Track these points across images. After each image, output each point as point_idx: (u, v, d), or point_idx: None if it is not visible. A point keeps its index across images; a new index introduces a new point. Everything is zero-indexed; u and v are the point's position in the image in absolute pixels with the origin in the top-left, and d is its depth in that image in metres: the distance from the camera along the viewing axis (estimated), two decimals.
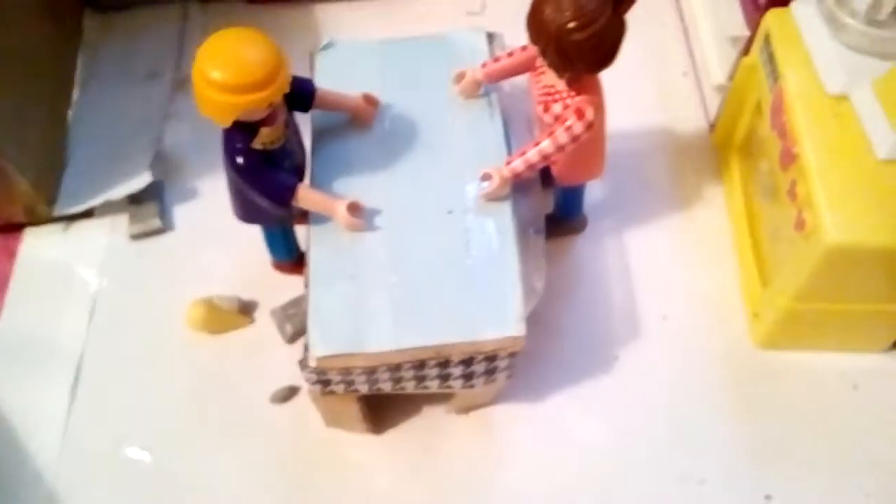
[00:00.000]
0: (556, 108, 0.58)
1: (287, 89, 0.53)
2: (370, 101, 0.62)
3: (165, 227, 0.75)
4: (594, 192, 0.74)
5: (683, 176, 0.77)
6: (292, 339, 0.67)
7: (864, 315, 0.60)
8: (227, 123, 0.53)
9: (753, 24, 0.66)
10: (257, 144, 0.55)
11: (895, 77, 0.54)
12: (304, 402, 0.63)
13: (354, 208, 0.56)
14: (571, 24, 0.51)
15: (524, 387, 0.64)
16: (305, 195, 0.56)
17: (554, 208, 0.71)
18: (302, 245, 0.69)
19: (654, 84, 0.83)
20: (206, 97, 0.52)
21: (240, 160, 0.55)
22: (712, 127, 0.78)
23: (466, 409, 0.64)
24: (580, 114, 0.56)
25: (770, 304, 0.62)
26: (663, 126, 0.80)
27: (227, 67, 0.51)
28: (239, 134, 0.55)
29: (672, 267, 0.71)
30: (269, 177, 0.56)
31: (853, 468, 0.61)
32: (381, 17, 0.91)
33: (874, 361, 0.65)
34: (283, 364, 0.65)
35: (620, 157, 0.76)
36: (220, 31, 0.53)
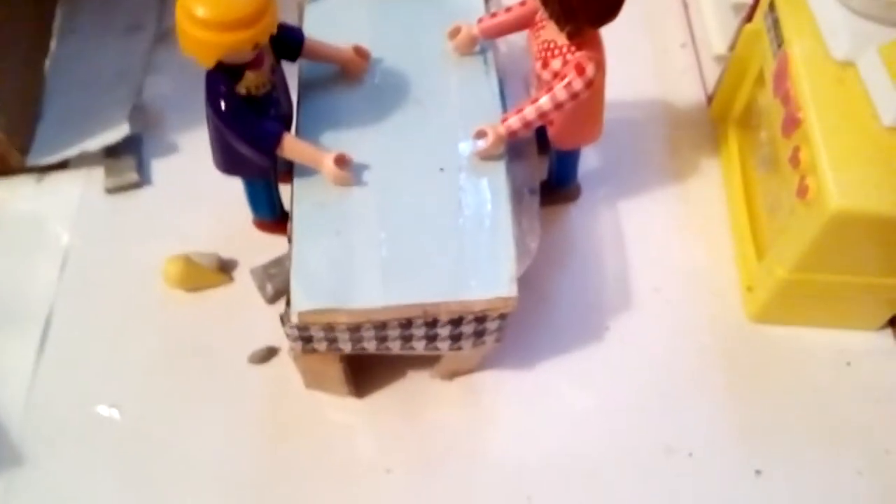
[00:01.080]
0: (556, 63, 0.56)
1: (274, 31, 0.51)
2: (361, 53, 0.60)
3: (143, 181, 0.72)
4: (589, 162, 0.73)
5: (679, 148, 0.75)
6: (273, 299, 0.65)
7: (861, 289, 0.59)
8: (211, 64, 0.51)
9: None
10: (241, 89, 0.53)
11: None
12: (285, 362, 0.61)
13: (342, 161, 0.54)
14: None
15: (512, 354, 0.62)
16: (291, 145, 0.54)
17: (548, 175, 0.69)
18: (286, 204, 0.67)
19: (651, 55, 0.82)
20: (189, 35, 0.49)
21: (223, 104, 0.53)
22: (710, 99, 0.77)
23: (452, 375, 0.62)
24: (580, 70, 0.54)
25: (766, 276, 0.60)
26: (660, 98, 0.79)
27: (211, 3, 0.48)
28: (223, 77, 0.52)
29: (666, 239, 0.70)
30: (253, 123, 0.53)
31: (844, 445, 0.60)
32: None
33: (867, 339, 0.64)
34: (263, 324, 0.63)
35: (616, 128, 0.75)
36: None
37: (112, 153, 0.73)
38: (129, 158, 0.73)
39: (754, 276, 0.63)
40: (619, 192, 0.72)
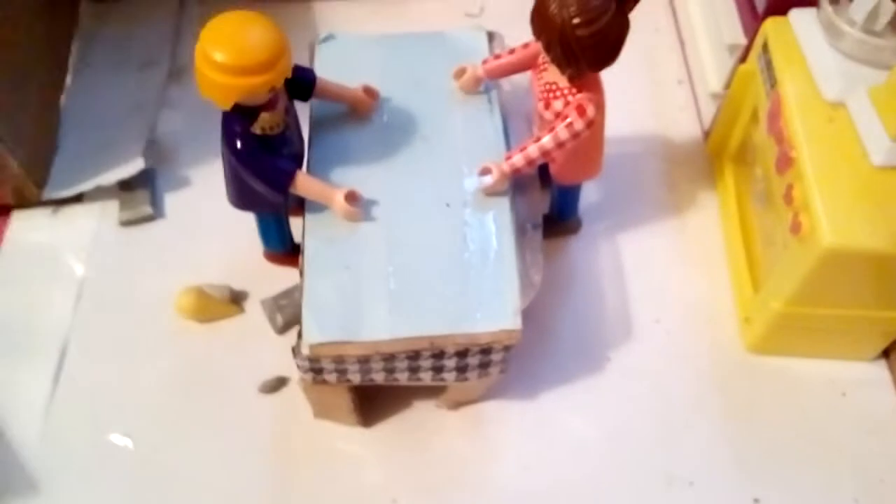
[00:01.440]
0: (558, 104, 0.58)
1: (289, 74, 0.53)
2: (370, 92, 0.62)
3: (156, 214, 0.74)
4: (589, 196, 0.75)
5: (677, 183, 0.77)
6: (283, 329, 0.66)
7: (855, 321, 0.61)
8: (228, 106, 0.53)
9: (751, 33, 0.67)
10: (256, 129, 0.55)
11: (891, 85, 0.54)
12: (294, 392, 0.63)
13: (352, 197, 0.56)
14: (576, 20, 0.51)
15: (515, 384, 0.64)
16: (303, 182, 0.56)
17: (550, 209, 0.71)
18: (296, 237, 0.69)
19: (648, 92, 0.84)
20: (207, 78, 0.52)
21: (238, 144, 0.55)
22: (706, 135, 0.79)
23: (457, 405, 0.63)
24: (581, 111, 0.56)
25: (762, 308, 0.62)
26: (658, 133, 0.81)
27: (230, 48, 0.50)
28: (238, 118, 0.55)
29: (665, 271, 0.71)
30: (267, 162, 0.55)
31: (841, 474, 0.61)
32: (378, 16, 0.92)
33: (862, 370, 0.66)
34: (273, 355, 0.65)
35: (615, 163, 0.77)
36: (223, 12, 0.52)
37: (126, 187, 0.75)
38: (143, 192, 0.75)
39: (751, 308, 0.65)
40: (619, 226, 0.74)
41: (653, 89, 0.84)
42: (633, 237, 0.73)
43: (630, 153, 0.79)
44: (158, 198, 0.76)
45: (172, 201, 0.76)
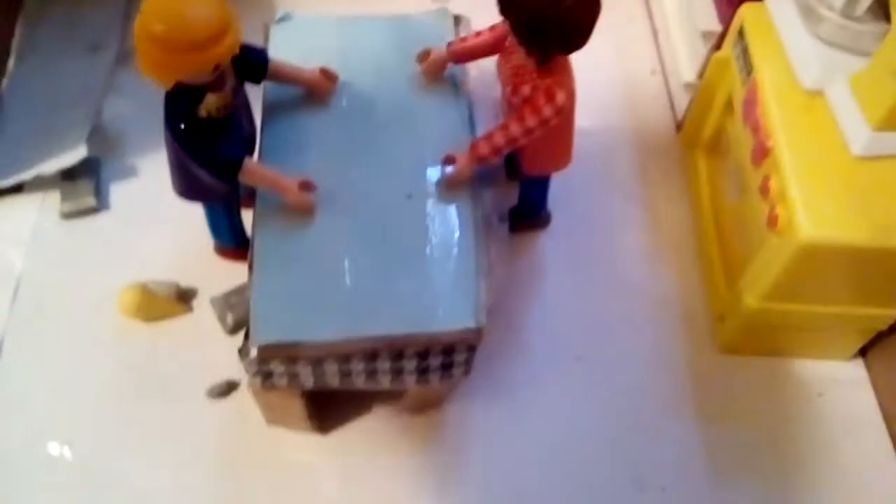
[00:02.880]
0: (525, 89, 0.55)
1: (236, 51, 0.49)
2: (328, 75, 0.58)
3: (100, 206, 0.70)
4: (558, 189, 0.72)
5: (649, 175, 0.75)
6: (234, 329, 0.62)
7: (833, 318, 0.58)
8: (170, 84, 0.49)
9: (726, 20, 0.65)
10: (202, 111, 0.51)
11: (872, 73, 0.52)
12: (245, 398, 0.59)
13: (306, 187, 0.52)
14: (546, 1, 0.48)
15: (480, 386, 0.61)
16: (253, 170, 0.52)
17: (518, 202, 0.68)
18: (249, 230, 0.65)
19: (621, 82, 0.82)
20: (148, 54, 0.48)
21: (182, 126, 0.51)
22: (679, 126, 0.76)
23: (419, 410, 0.60)
24: (550, 96, 0.53)
25: (737, 304, 0.60)
26: (630, 125, 0.78)
27: (172, 21, 0.47)
28: (183, 98, 0.51)
29: (636, 267, 0.69)
30: (213, 148, 0.51)
31: (817, 475, 0.59)
32: None
33: (839, 369, 0.64)
34: (223, 356, 0.61)
35: (586, 155, 0.74)
36: None
37: (69, 176, 0.70)
38: (86, 182, 0.70)
39: (725, 305, 0.62)
40: (590, 220, 0.71)
41: (625, 80, 0.81)
42: (603, 231, 0.71)
43: (602, 145, 0.76)
44: (103, 188, 0.71)
45: (118, 192, 0.71)
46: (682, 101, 0.75)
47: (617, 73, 0.82)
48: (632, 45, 0.84)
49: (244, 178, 0.52)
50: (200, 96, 0.51)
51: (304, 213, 0.53)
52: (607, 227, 0.71)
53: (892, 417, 0.61)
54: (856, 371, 0.64)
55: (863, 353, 0.64)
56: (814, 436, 0.61)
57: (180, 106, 0.50)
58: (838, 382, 0.63)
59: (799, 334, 0.61)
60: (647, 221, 0.72)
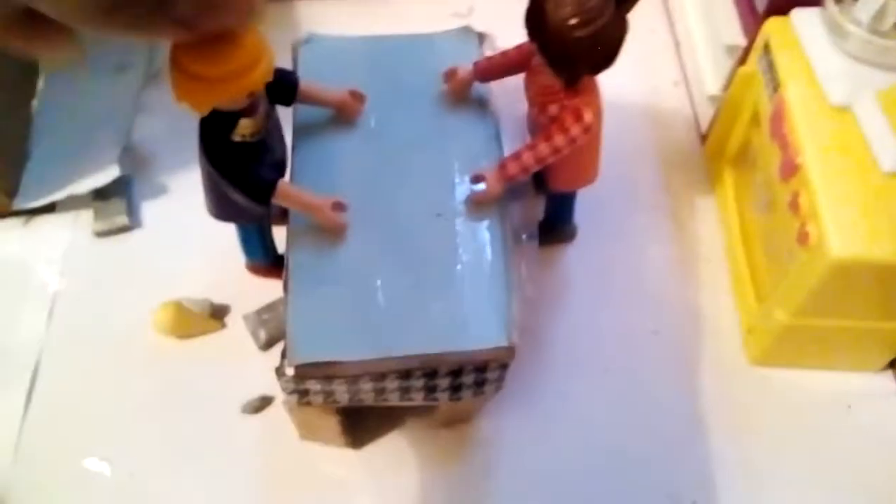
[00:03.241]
0: (553, 108, 0.55)
1: (270, 78, 0.50)
2: (356, 96, 0.59)
3: (132, 224, 0.71)
4: (584, 202, 0.72)
5: (675, 187, 0.75)
6: (266, 345, 0.63)
7: (862, 333, 0.59)
8: (205, 112, 0.50)
9: (751, 33, 0.65)
10: (236, 136, 0.52)
11: None
12: (278, 413, 0.59)
13: (338, 208, 0.53)
14: (573, 21, 0.48)
15: (510, 401, 0.61)
16: (286, 192, 0.53)
17: (544, 216, 0.68)
18: (279, 247, 0.66)
19: (644, 94, 0.82)
20: (181, 84, 0.48)
21: (217, 153, 0.52)
22: (704, 138, 0.77)
23: (450, 424, 0.61)
24: (578, 116, 0.54)
25: (766, 319, 0.60)
26: (654, 137, 0.79)
27: (206, 53, 0.47)
28: (216, 124, 0.51)
29: (663, 279, 0.69)
30: (247, 171, 0.52)
31: (847, 488, 0.59)
32: (364, 16, 0.89)
33: (868, 381, 0.64)
34: (257, 372, 0.62)
35: (611, 168, 0.74)
36: None
37: (101, 196, 0.72)
38: (118, 201, 0.71)
39: (754, 319, 0.63)
40: (616, 233, 0.72)
41: (648, 91, 0.82)
42: (629, 243, 0.71)
43: (626, 157, 0.76)
44: (135, 207, 0.73)
45: (150, 210, 0.72)
46: (706, 113, 0.76)
47: (639, 85, 0.82)
48: (654, 56, 0.85)
49: (278, 201, 0.53)
50: (234, 121, 0.51)
51: (336, 233, 0.54)
52: (633, 239, 0.71)
53: None
54: (885, 383, 0.64)
55: (892, 365, 0.64)
56: (843, 448, 0.61)
57: (215, 131, 0.51)
58: (867, 395, 0.63)
59: (828, 347, 0.61)
60: (674, 233, 0.72)
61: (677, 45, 0.84)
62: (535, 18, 0.50)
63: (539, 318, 0.65)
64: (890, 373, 0.64)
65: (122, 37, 0.22)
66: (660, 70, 0.84)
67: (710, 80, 0.74)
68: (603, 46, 0.50)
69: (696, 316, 0.67)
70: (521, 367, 0.62)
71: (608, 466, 0.59)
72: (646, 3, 0.88)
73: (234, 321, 0.65)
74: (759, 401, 0.63)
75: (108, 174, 0.71)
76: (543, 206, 0.68)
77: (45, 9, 0.19)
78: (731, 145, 0.71)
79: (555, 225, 0.69)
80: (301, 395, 0.52)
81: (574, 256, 0.70)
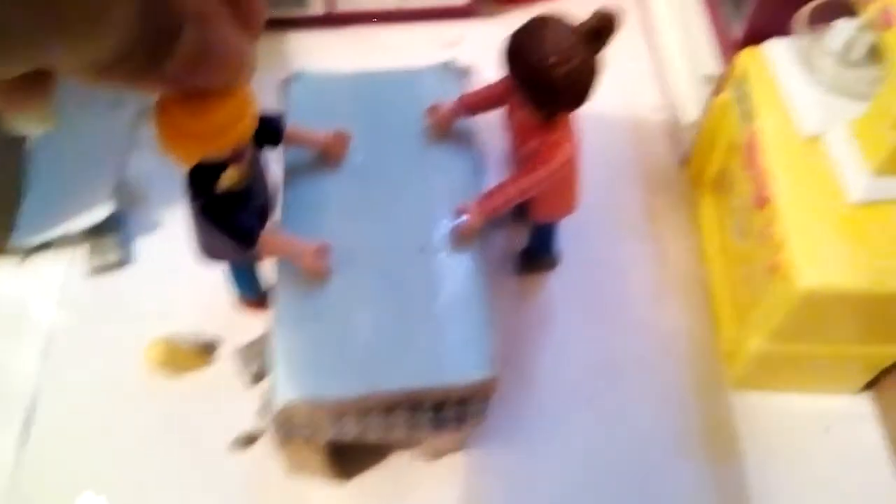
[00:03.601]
0: (533, 143, 0.57)
1: (255, 127, 0.52)
2: (341, 138, 0.61)
3: (126, 260, 0.73)
4: (567, 229, 0.73)
5: (657, 212, 0.76)
6: (256, 380, 0.65)
7: (837, 357, 0.60)
8: (192, 164, 0.51)
9: (727, 63, 0.66)
10: (222, 185, 0.53)
11: (870, 118, 0.53)
12: (266, 449, 0.61)
13: (322, 252, 0.55)
14: (550, 60, 0.50)
15: (495, 429, 0.62)
16: (269, 241, 0.54)
17: (527, 244, 0.70)
18: (270, 279, 0.67)
19: (626, 119, 0.83)
20: (167, 140, 0.50)
21: (203, 201, 0.53)
22: (685, 163, 0.78)
23: (435, 456, 0.62)
24: (558, 150, 0.55)
25: (743, 344, 0.61)
26: (636, 162, 0.80)
27: (191, 110, 0.49)
28: (203, 174, 0.53)
29: (646, 305, 0.70)
30: (233, 220, 0.54)
31: None
32: (354, 46, 0.90)
33: (846, 404, 0.64)
34: (246, 407, 0.63)
35: (594, 194, 0.75)
36: None
37: (95, 232, 0.73)
38: (112, 237, 0.73)
39: (733, 343, 0.64)
40: (599, 259, 0.73)
41: (630, 117, 0.83)
42: (612, 270, 0.72)
43: (609, 183, 0.78)
44: (129, 242, 0.74)
45: (144, 245, 0.74)
46: (687, 139, 0.77)
47: (621, 110, 0.83)
48: (636, 83, 0.86)
49: (261, 248, 0.54)
50: (220, 170, 0.53)
51: (319, 278, 0.55)
52: (616, 265, 0.73)
53: None
54: (863, 406, 0.64)
55: (870, 386, 0.65)
56: (822, 469, 0.61)
57: (201, 181, 0.53)
58: (845, 416, 0.64)
59: (806, 371, 0.62)
60: (656, 258, 0.73)
61: (658, 70, 0.85)
62: (513, 59, 0.52)
63: (523, 348, 0.67)
64: (867, 394, 0.65)
65: (113, 89, 0.23)
66: (642, 96, 0.85)
67: (690, 106, 0.75)
68: (579, 84, 0.52)
69: (678, 341, 0.68)
70: (507, 396, 0.63)
71: (594, 493, 0.60)
72: (627, 29, 0.90)
73: (224, 356, 0.67)
74: (740, 424, 0.64)
75: (101, 211, 0.73)
76: (527, 236, 0.69)
77: (54, 61, 0.20)
78: (710, 171, 0.72)
79: (538, 254, 0.70)
80: (286, 432, 0.53)
81: (558, 284, 0.71)
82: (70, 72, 0.21)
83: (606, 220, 0.75)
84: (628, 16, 0.91)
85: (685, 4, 0.75)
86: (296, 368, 0.51)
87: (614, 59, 0.83)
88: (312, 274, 0.54)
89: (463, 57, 0.71)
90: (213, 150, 0.50)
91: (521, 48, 0.51)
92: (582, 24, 0.50)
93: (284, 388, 0.51)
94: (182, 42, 0.22)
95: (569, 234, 0.73)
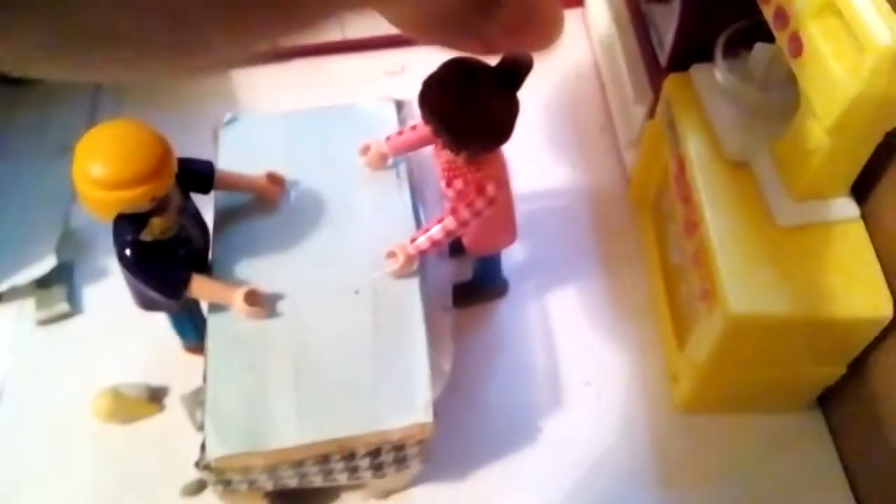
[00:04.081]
0: (458, 183, 0.57)
1: (171, 181, 0.52)
2: (274, 180, 0.61)
3: (74, 310, 0.72)
4: (515, 254, 0.73)
5: (603, 233, 0.76)
6: (202, 427, 0.64)
7: (781, 380, 0.60)
8: (109, 219, 0.51)
9: (657, 87, 0.66)
10: (147, 236, 0.54)
11: (790, 143, 0.53)
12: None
13: (252, 296, 0.55)
14: (459, 108, 0.50)
15: (446, 463, 0.62)
16: (199, 286, 0.54)
17: (472, 275, 0.70)
18: None
19: (572, 139, 0.83)
20: (84, 193, 0.50)
21: (128, 253, 0.53)
22: (629, 183, 0.78)
23: (384, 494, 0.62)
24: (481, 190, 0.55)
25: (686, 367, 0.61)
26: (582, 182, 0.80)
27: (103, 162, 0.49)
28: (127, 225, 0.53)
29: (594, 329, 0.70)
30: (158, 270, 0.54)
31: None
32: (297, 78, 0.90)
33: (796, 421, 0.64)
34: (195, 453, 0.62)
35: (540, 215, 0.76)
36: (98, 125, 0.52)
37: (42, 283, 0.73)
38: (59, 288, 0.73)
39: (677, 367, 0.64)
40: (547, 284, 0.73)
41: (575, 138, 0.83)
42: (561, 296, 0.72)
43: (555, 205, 0.78)
44: (77, 291, 0.74)
45: (91, 294, 0.74)
46: (631, 159, 0.77)
47: (567, 131, 0.83)
48: (581, 101, 0.86)
49: (191, 294, 0.54)
50: (144, 221, 0.53)
51: (253, 320, 0.55)
52: (564, 290, 0.73)
53: (853, 467, 0.61)
54: (814, 422, 0.64)
55: (820, 402, 0.65)
56: (775, 492, 0.61)
57: (125, 233, 0.53)
58: (796, 435, 0.64)
59: (750, 393, 0.62)
60: (603, 281, 0.73)
61: (603, 89, 0.85)
62: (425, 106, 0.52)
63: (472, 377, 0.67)
64: (817, 410, 0.65)
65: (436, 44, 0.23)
66: (587, 116, 0.85)
67: (629, 128, 0.75)
68: (492, 128, 0.52)
69: (626, 366, 0.68)
70: (455, 428, 0.63)
71: None
72: (573, 48, 0.91)
73: (173, 402, 0.67)
74: (690, 449, 0.64)
75: (45, 264, 0.73)
76: (470, 267, 0.69)
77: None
78: (651, 193, 0.72)
79: (483, 284, 0.70)
80: (225, 486, 0.53)
81: (505, 312, 0.71)
82: (402, 22, 0.20)
83: (553, 245, 0.75)
84: (575, 34, 0.92)
85: (620, 26, 0.76)
86: (227, 423, 0.51)
87: (561, 76, 0.84)
88: (247, 315, 0.54)
89: (407, 84, 0.70)
90: (128, 205, 0.51)
91: (431, 96, 0.51)
92: (495, 66, 0.50)
93: (214, 444, 0.51)
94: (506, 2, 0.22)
95: (517, 260, 0.73)
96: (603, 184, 0.79)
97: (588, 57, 0.90)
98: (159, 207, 0.53)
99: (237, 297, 0.54)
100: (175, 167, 0.52)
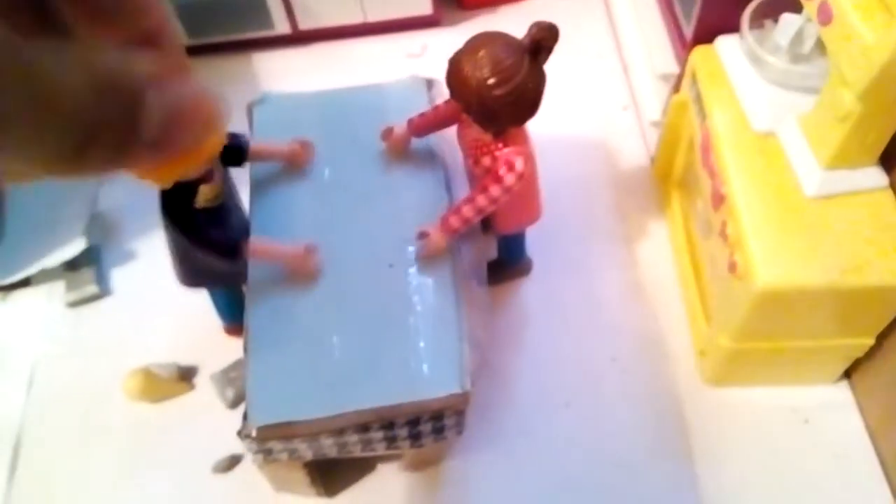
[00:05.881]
0: (486, 160, 0.57)
1: (224, 143, 0.52)
2: (304, 145, 0.61)
3: (103, 292, 0.73)
4: (539, 233, 0.74)
5: (627, 211, 0.77)
6: (234, 404, 0.65)
7: (809, 351, 0.60)
8: (168, 185, 0.52)
9: (682, 62, 0.67)
10: (199, 203, 0.54)
11: (817, 113, 0.54)
12: (250, 469, 0.61)
13: (311, 251, 0.55)
14: (491, 81, 0.50)
15: (477, 438, 0.63)
16: (258, 247, 0.55)
17: (497, 253, 0.70)
18: None
19: (594, 118, 0.84)
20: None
21: (184, 221, 0.54)
22: (653, 160, 0.78)
23: (420, 466, 0.63)
24: (510, 166, 0.56)
25: (714, 342, 0.61)
26: (605, 161, 0.80)
27: None
28: (178, 195, 0.54)
29: (619, 305, 0.71)
30: (216, 233, 0.54)
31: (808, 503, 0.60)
32: (320, 61, 0.91)
33: (824, 394, 0.65)
34: (226, 431, 0.63)
35: (563, 194, 0.76)
36: None
37: (71, 266, 0.74)
38: (88, 271, 0.74)
39: (705, 341, 0.64)
40: (571, 263, 0.73)
41: (598, 116, 0.84)
42: (585, 273, 0.73)
43: (578, 183, 0.78)
44: (105, 275, 0.75)
45: (119, 277, 0.75)
46: (653, 136, 0.77)
47: (589, 110, 0.84)
48: (602, 81, 0.87)
49: (251, 256, 0.55)
50: (194, 190, 0.54)
51: (310, 278, 0.55)
52: (588, 267, 0.73)
53: (880, 439, 0.62)
54: (841, 394, 0.65)
55: (847, 374, 0.65)
56: (802, 462, 0.62)
57: (180, 201, 0.53)
58: (824, 407, 0.64)
59: (779, 365, 0.62)
60: (627, 259, 0.74)
61: (625, 68, 0.86)
62: (455, 81, 0.52)
63: (499, 356, 0.67)
64: (846, 382, 0.65)
65: (95, 176, 0.22)
66: (609, 95, 0.85)
67: (653, 105, 0.76)
68: (524, 99, 0.52)
69: (652, 341, 0.68)
70: (487, 405, 0.64)
71: (577, 497, 0.61)
72: (594, 28, 0.91)
73: (203, 381, 0.67)
74: (716, 422, 0.64)
75: (75, 246, 0.73)
76: (495, 246, 0.70)
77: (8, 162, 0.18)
78: (676, 170, 0.72)
79: (508, 262, 0.71)
80: (266, 454, 0.54)
81: (531, 290, 0.72)
82: (45, 160, 0.19)
83: (577, 223, 0.76)
84: (595, 14, 0.92)
85: (644, 2, 0.76)
86: (268, 393, 0.52)
87: (581, 57, 0.84)
88: (305, 274, 0.55)
89: (428, 66, 0.71)
90: (189, 169, 0.51)
91: (462, 71, 0.51)
92: (522, 39, 0.51)
93: (256, 413, 0.51)
94: (148, 108, 0.20)
95: (541, 240, 0.74)
96: (626, 161, 0.80)
97: (609, 36, 0.90)
98: (207, 175, 0.54)
99: (299, 251, 0.54)
100: (226, 129, 0.53)
